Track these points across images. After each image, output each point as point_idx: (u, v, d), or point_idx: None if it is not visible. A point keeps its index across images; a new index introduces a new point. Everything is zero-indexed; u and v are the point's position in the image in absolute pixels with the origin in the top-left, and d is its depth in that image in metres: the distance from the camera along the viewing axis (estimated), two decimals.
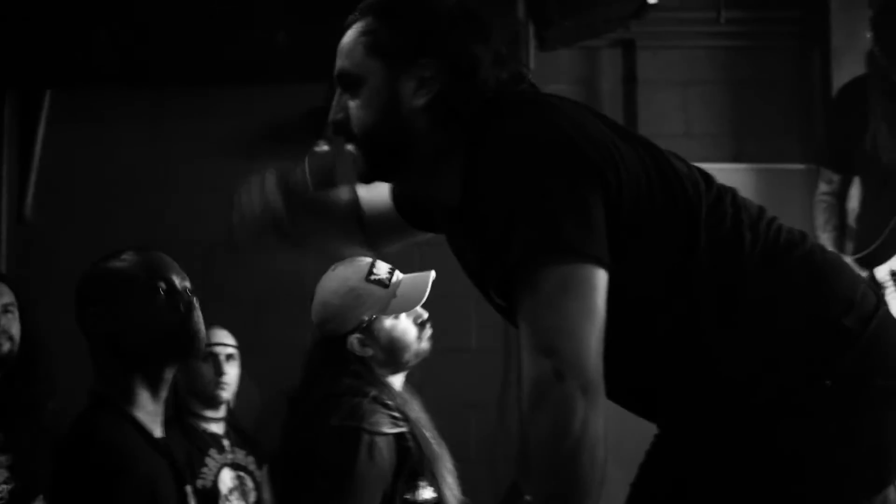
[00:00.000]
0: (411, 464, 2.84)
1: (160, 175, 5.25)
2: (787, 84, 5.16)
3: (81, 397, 2.44)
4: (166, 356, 2.39)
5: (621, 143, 1.72)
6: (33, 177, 5.20)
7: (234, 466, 3.75)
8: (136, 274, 2.39)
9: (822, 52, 5.08)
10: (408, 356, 2.94)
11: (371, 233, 2.13)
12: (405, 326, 2.93)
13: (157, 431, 2.39)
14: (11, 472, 3.17)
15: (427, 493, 2.85)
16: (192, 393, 3.77)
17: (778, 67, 5.19)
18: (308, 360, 2.98)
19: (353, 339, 2.88)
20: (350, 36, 1.82)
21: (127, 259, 2.43)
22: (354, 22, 1.83)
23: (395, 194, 2.09)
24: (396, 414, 2.87)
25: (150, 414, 2.37)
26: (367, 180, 1.88)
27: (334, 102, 1.83)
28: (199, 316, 2.41)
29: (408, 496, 2.82)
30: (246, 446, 3.84)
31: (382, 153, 1.81)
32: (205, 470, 3.64)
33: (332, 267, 2.95)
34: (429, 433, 2.92)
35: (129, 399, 2.35)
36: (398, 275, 2.95)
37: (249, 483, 3.76)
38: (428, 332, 2.97)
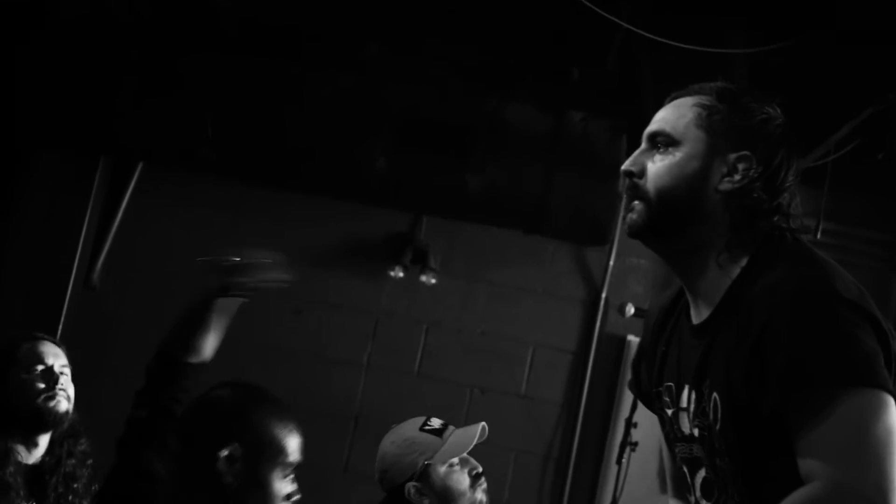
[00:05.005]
0: None
1: None
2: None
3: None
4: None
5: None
6: (107, 244, 5.27)
7: None
8: None
9: None
10: None
11: None
12: (459, 476, 3.00)
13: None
14: None
15: None
16: None
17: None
18: None
19: (410, 487, 2.97)
20: (682, 104, 1.88)
21: None
22: (690, 94, 1.88)
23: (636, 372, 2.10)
24: None
25: None
26: (639, 233, 1.87)
27: (633, 156, 1.88)
28: None
29: None
30: None
31: (668, 214, 1.84)
32: None
33: (392, 425, 3.09)
34: None
35: None
36: (451, 427, 3.06)
37: None
38: (483, 484, 3.03)
